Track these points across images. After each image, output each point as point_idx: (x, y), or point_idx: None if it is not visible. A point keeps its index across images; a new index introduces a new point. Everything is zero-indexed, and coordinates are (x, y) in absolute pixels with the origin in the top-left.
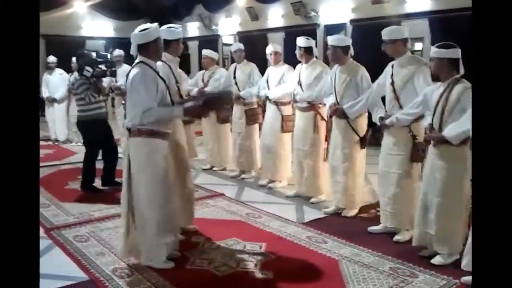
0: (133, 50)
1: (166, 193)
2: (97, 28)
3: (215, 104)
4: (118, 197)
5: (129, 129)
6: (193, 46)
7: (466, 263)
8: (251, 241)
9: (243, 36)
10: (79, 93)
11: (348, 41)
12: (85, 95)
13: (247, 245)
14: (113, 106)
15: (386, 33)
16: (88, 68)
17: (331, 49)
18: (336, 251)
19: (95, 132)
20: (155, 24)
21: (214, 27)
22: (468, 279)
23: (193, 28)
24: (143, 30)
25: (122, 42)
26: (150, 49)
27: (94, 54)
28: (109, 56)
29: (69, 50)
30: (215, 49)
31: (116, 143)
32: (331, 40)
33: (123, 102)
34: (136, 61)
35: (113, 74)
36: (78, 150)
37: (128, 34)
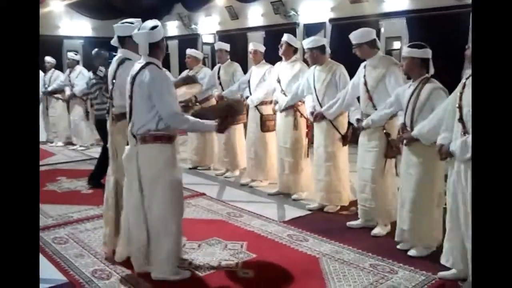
0: (142, 50)
1: (182, 200)
2: (75, 27)
3: (233, 117)
4: (97, 198)
5: (139, 136)
6: (172, 45)
7: (446, 259)
8: (232, 241)
9: (223, 35)
10: (92, 92)
11: (323, 41)
12: (98, 94)
13: (228, 245)
14: (92, 106)
15: (353, 37)
16: (101, 68)
17: (308, 52)
18: (316, 248)
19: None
20: (158, 21)
21: (193, 26)
22: (444, 274)
23: (172, 27)
24: (154, 27)
25: (101, 42)
26: (160, 49)
27: (107, 54)
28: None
29: (47, 49)
30: (194, 48)
31: (98, 143)
32: (306, 43)
33: None
34: (143, 61)
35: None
36: (57, 151)
37: (107, 33)
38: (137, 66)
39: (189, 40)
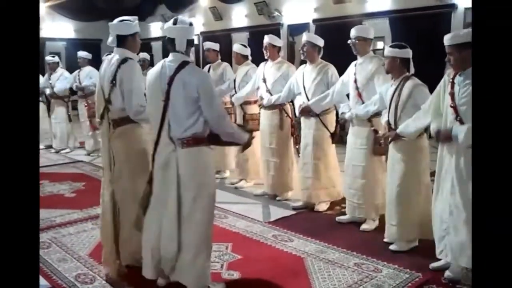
0: (181, 46)
1: None
2: (57, 29)
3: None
4: (80, 202)
5: (181, 140)
6: (156, 46)
7: (440, 250)
8: (217, 242)
9: (207, 36)
10: None
11: (322, 42)
12: None
13: (213, 246)
14: (74, 108)
15: (358, 30)
16: None
17: (307, 45)
18: (301, 248)
19: None
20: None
21: None
22: (436, 264)
23: (156, 29)
24: (191, 24)
25: (83, 43)
26: (191, 46)
27: None
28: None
29: None
30: None
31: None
32: (310, 37)
33: (85, 104)
34: (177, 59)
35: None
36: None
37: (89, 35)
38: (170, 65)
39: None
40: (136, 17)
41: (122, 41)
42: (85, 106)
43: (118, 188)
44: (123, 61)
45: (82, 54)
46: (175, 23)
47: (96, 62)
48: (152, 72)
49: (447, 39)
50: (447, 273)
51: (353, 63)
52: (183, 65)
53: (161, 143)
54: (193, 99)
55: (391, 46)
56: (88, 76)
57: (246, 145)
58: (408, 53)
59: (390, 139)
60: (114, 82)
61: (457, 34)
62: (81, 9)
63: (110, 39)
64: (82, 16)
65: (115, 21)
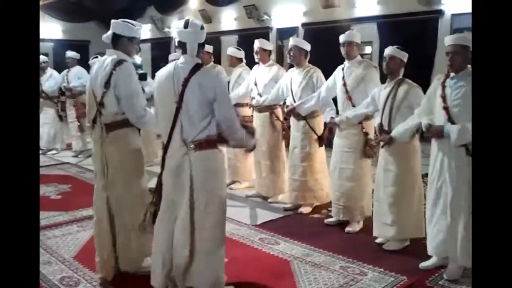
0: (192, 50)
1: None
2: (45, 29)
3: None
4: (66, 204)
5: (195, 143)
6: (145, 48)
7: (430, 247)
8: None
9: None
10: None
11: (308, 47)
12: None
13: None
14: (63, 110)
15: (347, 35)
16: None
17: (294, 49)
18: (288, 251)
19: None
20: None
21: (166, 29)
22: (426, 264)
23: (145, 31)
24: (202, 27)
25: (71, 44)
26: (201, 49)
27: None
28: (135, 60)
29: None
30: (167, 52)
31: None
32: (297, 41)
33: (74, 104)
34: (189, 62)
35: (143, 78)
36: None
37: (77, 36)
38: (183, 67)
39: (162, 43)
40: (141, 25)
41: (117, 41)
42: (74, 106)
43: (112, 194)
44: (118, 63)
45: (70, 54)
46: (186, 26)
47: (84, 64)
48: (162, 74)
49: (453, 39)
50: (445, 276)
51: (339, 67)
52: (197, 67)
53: (172, 146)
54: (208, 101)
55: (396, 48)
56: (76, 76)
57: (252, 149)
58: (406, 56)
59: (383, 143)
60: (108, 85)
61: (463, 36)
62: (70, 10)
63: (106, 34)
64: (71, 17)
65: (119, 20)
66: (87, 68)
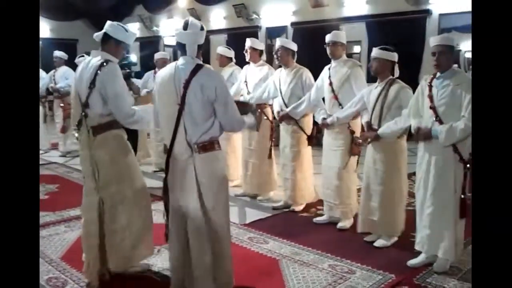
0: (192, 52)
1: None
2: None
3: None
4: (53, 204)
5: (198, 145)
6: (133, 47)
7: (420, 245)
8: None
9: None
10: None
11: (295, 47)
12: None
13: None
14: (50, 109)
15: (332, 36)
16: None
17: (281, 49)
18: (276, 251)
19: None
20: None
21: (155, 28)
22: (413, 261)
23: (133, 29)
24: (202, 28)
25: (59, 43)
26: (201, 50)
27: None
28: (131, 58)
29: None
30: (156, 50)
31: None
32: (283, 42)
33: (61, 104)
34: (191, 63)
35: (138, 76)
36: None
37: (65, 35)
38: (183, 68)
39: (151, 42)
40: (136, 33)
41: (106, 42)
42: (61, 107)
43: (106, 195)
44: (104, 63)
45: (58, 54)
46: (186, 27)
47: (72, 63)
48: (163, 75)
49: (440, 39)
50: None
51: (326, 67)
52: (198, 68)
53: (176, 149)
54: (210, 102)
55: (380, 49)
56: (63, 76)
57: (257, 128)
58: (395, 57)
59: (369, 139)
60: (93, 85)
61: (448, 36)
62: (57, 8)
63: (97, 33)
64: (58, 15)
65: (115, 22)
66: (75, 67)
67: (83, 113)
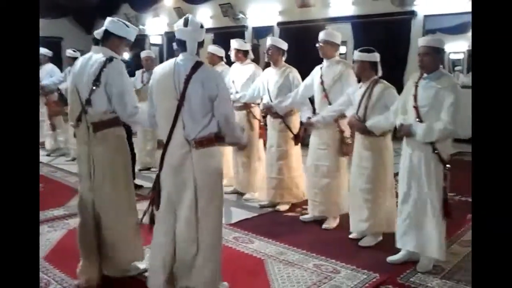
0: (192, 49)
1: None
2: None
3: None
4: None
5: (196, 140)
6: None
7: (401, 242)
8: None
9: (171, 37)
10: None
11: (286, 46)
12: None
13: None
14: None
15: (324, 35)
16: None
17: (272, 48)
18: (262, 250)
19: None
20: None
21: (141, 27)
22: (393, 258)
23: None
24: (202, 26)
25: (43, 41)
26: (200, 48)
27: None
28: (125, 55)
29: None
30: (142, 49)
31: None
32: (274, 41)
33: (45, 102)
34: (191, 59)
35: (131, 74)
36: None
37: (51, 33)
38: (183, 64)
39: (136, 40)
40: (137, 28)
41: (108, 38)
42: (45, 104)
43: (99, 196)
44: (109, 60)
45: (42, 51)
46: (186, 24)
47: (56, 61)
48: (161, 71)
49: (426, 40)
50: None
51: (318, 67)
52: (198, 64)
53: (172, 144)
54: (210, 98)
55: (360, 51)
56: (48, 74)
57: (245, 145)
58: (376, 57)
59: (356, 128)
60: (98, 83)
61: (436, 38)
62: (44, 6)
63: (98, 30)
64: (43, 13)
65: (115, 18)
66: (59, 65)
67: (83, 110)
